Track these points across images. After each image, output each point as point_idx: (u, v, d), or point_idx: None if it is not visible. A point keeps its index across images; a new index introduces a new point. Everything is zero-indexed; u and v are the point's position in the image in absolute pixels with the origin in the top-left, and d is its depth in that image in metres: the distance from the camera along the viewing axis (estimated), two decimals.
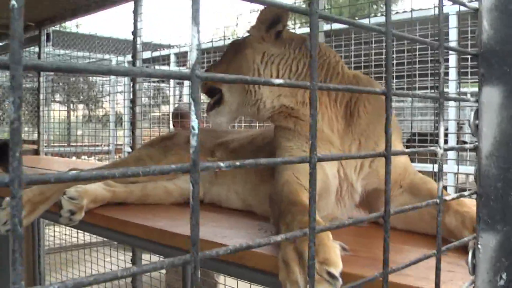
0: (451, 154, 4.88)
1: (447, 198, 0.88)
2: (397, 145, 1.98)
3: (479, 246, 0.92)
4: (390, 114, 0.68)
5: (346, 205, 2.01)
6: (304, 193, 1.73)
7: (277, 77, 2.00)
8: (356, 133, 1.95)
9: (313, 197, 0.58)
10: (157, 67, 6.44)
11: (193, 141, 0.47)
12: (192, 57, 0.47)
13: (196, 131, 0.47)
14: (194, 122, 0.47)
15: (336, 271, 1.22)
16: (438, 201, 0.82)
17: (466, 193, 0.95)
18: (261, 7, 2.38)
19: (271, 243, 0.56)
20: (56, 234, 6.46)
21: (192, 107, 0.47)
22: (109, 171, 0.42)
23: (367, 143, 1.94)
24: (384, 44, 0.73)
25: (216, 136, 2.75)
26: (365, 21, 4.61)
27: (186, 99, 6.22)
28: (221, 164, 0.50)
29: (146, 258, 4.62)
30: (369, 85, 2.04)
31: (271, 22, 2.04)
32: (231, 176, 2.45)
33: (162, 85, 8.06)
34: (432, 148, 0.81)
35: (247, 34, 2.14)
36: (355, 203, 2.02)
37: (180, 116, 5.14)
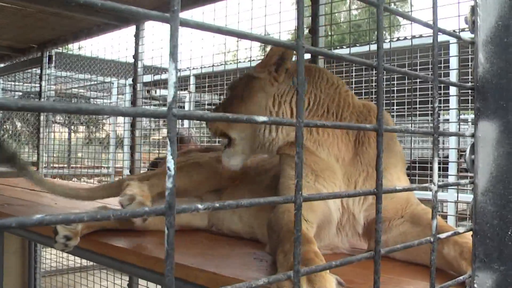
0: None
1: (442, 236, 0.85)
2: (401, 176, 1.96)
3: (475, 285, 0.89)
4: (381, 151, 0.65)
5: (348, 234, 1.99)
6: (304, 223, 1.70)
7: (291, 114, 1.99)
8: (365, 163, 1.92)
9: (298, 239, 0.55)
10: (158, 90, 6.45)
11: (169, 183, 0.44)
12: (169, 94, 0.45)
13: (172, 172, 0.44)
14: (169, 163, 0.44)
15: None
16: (432, 239, 0.80)
17: (461, 229, 0.93)
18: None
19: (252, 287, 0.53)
20: (52, 257, 6.39)
21: (169, 147, 0.45)
22: (75, 216, 0.39)
23: (374, 173, 1.91)
24: (376, 76, 0.71)
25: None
26: (366, 47, 4.61)
27: (186, 123, 6.22)
28: (199, 206, 0.48)
29: (143, 283, 4.55)
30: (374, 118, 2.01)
31: (279, 62, 2.01)
32: (235, 200, 2.41)
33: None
34: (426, 185, 0.78)
35: (256, 76, 2.08)
36: (358, 233, 2.00)
37: (178, 141, 5.11)
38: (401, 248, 0.74)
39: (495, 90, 0.91)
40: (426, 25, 0.84)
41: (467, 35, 1.09)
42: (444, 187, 0.84)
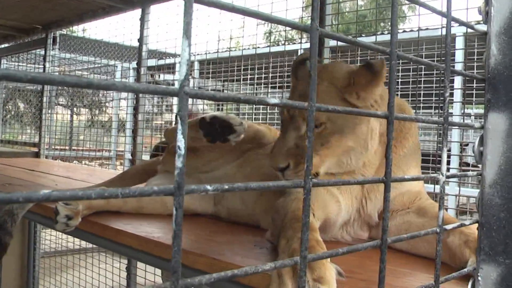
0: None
1: (448, 227, 0.84)
2: (415, 172, 1.98)
3: (479, 278, 0.88)
4: (391, 138, 0.64)
5: (354, 227, 2.01)
6: (310, 216, 1.70)
7: (382, 146, 1.87)
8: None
9: (306, 225, 0.55)
10: (161, 75, 6.43)
11: (178, 163, 0.43)
12: (181, 72, 0.44)
13: (182, 152, 0.44)
14: (180, 142, 0.43)
15: None
16: (438, 230, 0.79)
17: (467, 221, 0.92)
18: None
19: (258, 272, 0.52)
20: (52, 238, 6.41)
21: (179, 126, 0.44)
22: (83, 192, 0.39)
23: (394, 173, 1.91)
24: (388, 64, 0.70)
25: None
26: (371, 38, 4.58)
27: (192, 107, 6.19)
28: (208, 187, 0.47)
29: (141, 266, 4.57)
30: (409, 114, 1.96)
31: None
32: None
33: None
34: (434, 175, 0.77)
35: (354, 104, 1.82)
36: (366, 227, 2.02)
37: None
38: (407, 237, 0.74)
39: (506, 82, 0.89)
40: (439, 13, 0.83)
41: (479, 27, 1.07)
42: (452, 177, 0.83)
